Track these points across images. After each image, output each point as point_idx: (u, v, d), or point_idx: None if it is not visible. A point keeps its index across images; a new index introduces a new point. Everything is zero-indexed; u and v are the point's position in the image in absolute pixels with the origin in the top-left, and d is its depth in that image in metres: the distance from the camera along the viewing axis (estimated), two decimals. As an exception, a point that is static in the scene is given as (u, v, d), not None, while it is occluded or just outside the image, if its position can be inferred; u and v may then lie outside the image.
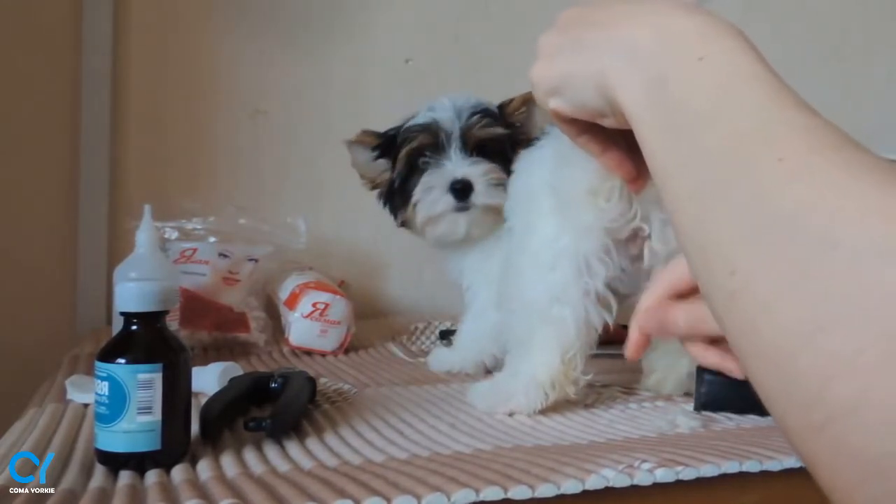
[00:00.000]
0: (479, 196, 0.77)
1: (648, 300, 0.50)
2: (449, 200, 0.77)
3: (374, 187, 0.87)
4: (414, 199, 0.79)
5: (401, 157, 0.81)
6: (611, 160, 0.54)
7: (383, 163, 0.85)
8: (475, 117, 0.78)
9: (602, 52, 0.41)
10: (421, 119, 0.80)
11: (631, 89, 0.39)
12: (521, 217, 0.69)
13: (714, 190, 0.32)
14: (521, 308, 0.65)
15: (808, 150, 0.29)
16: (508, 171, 0.77)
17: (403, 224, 0.84)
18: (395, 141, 0.83)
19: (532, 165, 0.71)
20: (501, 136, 0.79)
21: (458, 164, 0.77)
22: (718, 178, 0.32)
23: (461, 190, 0.76)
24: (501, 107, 0.82)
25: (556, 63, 0.46)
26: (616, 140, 0.53)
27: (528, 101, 0.80)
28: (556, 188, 0.64)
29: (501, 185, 0.77)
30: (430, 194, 0.78)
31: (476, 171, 0.77)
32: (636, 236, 0.64)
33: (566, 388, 0.62)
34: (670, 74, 0.36)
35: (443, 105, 0.80)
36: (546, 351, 0.62)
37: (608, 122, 0.45)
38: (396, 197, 0.83)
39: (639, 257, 0.64)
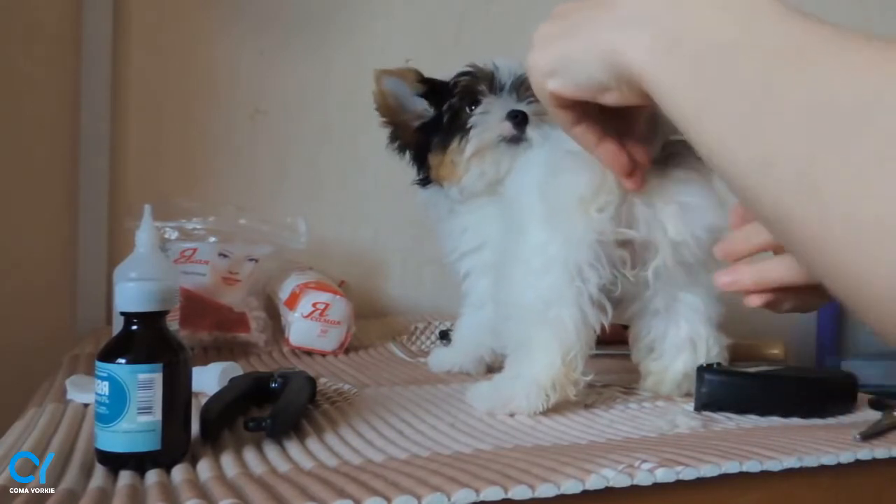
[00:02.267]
0: (528, 127, 0.77)
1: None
2: (506, 127, 0.77)
3: (389, 122, 0.84)
4: (470, 122, 0.78)
5: (458, 89, 0.81)
6: (605, 152, 0.54)
7: (417, 103, 0.83)
8: (520, 76, 0.79)
9: (606, 26, 0.43)
10: (480, 65, 0.81)
11: (643, 49, 0.40)
12: (514, 220, 0.69)
13: (766, 106, 0.32)
14: (517, 312, 0.65)
15: (859, 49, 0.31)
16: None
17: (423, 181, 0.83)
18: (442, 88, 0.82)
19: (525, 168, 0.71)
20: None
21: (513, 102, 0.78)
22: (768, 94, 0.32)
23: (519, 119, 0.77)
24: None
25: (555, 46, 0.47)
26: (610, 134, 0.53)
27: None
28: (546, 195, 0.64)
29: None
30: (487, 119, 0.78)
31: (531, 108, 0.78)
32: (628, 247, 0.64)
33: (567, 388, 0.62)
34: (690, 26, 0.37)
35: (502, 61, 0.81)
36: (546, 352, 0.62)
37: (610, 98, 0.46)
38: (437, 137, 0.81)
39: (632, 266, 0.64)
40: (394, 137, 0.84)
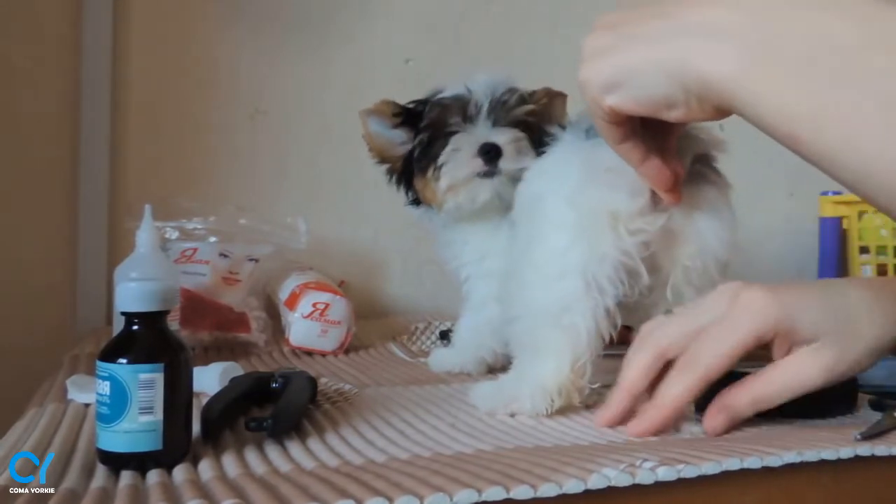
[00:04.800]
0: (508, 161, 0.76)
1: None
2: (477, 163, 0.76)
3: (382, 161, 0.84)
4: (441, 160, 0.77)
5: (428, 122, 0.80)
6: (650, 169, 0.53)
7: (400, 135, 0.82)
8: (507, 94, 0.78)
9: (674, 36, 0.40)
10: (453, 90, 0.80)
11: (728, 60, 0.38)
12: (527, 225, 0.68)
13: None
14: (528, 315, 0.65)
15: None
16: (535, 149, 0.76)
17: (415, 201, 0.83)
18: (420, 112, 0.81)
19: (545, 174, 0.69)
20: (529, 118, 0.78)
21: (486, 132, 0.77)
22: None
23: (490, 154, 0.75)
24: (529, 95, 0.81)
25: (612, 58, 0.44)
26: (653, 150, 0.52)
27: (551, 94, 0.80)
28: (578, 204, 0.63)
29: (527, 153, 0.76)
30: (458, 156, 0.77)
31: (505, 137, 0.76)
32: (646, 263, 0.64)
33: (572, 395, 0.62)
34: (791, 31, 0.36)
35: (477, 80, 0.79)
36: (556, 358, 0.62)
37: (675, 114, 0.44)
38: (416, 165, 0.81)
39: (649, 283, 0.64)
40: (389, 173, 0.84)
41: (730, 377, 0.64)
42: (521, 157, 0.76)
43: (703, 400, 0.64)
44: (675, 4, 0.42)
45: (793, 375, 0.53)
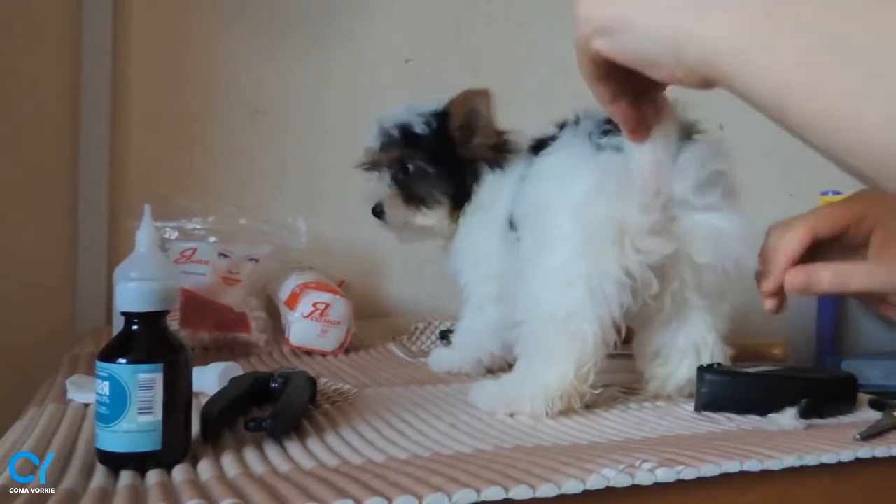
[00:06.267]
0: (390, 215, 0.83)
1: (791, 248, 0.56)
2: (374, 218, 0.84)
3: None
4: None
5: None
6: (618, 110, 0.53)
7: None
8: (384, 140, 0.82)
9: (686, 4, 0.39)
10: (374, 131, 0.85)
11: (729, 26, 0.37)
12: (535, 230, 0.68)
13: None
14: (534, 321, 0.65)
15: None
16: (447, 179, 0.81)
17: None
18: None
19: (548, 176, 0.69)
20: (402, 157, 0.82)
21: (380, 186, 0.84)
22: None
23: (376, 210, 0.83)
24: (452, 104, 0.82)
25: (614, 3, 0.44)
26: (629, 95, 0.52)
27: (466, 99, 0.80)
28: (585, 218, 0.63)
29: (408, 205, 0.82)
30: (368, 209, 0.85)
31: (385, 193, 0.83)
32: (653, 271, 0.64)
33: (573, 400, 0.62)
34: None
35: (393, 113, 0.83)
36: (561, 363, 0.62)
37: (656, 74, 0.43)
38: None
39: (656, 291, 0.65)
40: None
41: (740, 378, 0.65)
42: (400, 210, 0.83)
43: (703, 399, 0.64)
44: None
45: (870, 269, 0.55)
